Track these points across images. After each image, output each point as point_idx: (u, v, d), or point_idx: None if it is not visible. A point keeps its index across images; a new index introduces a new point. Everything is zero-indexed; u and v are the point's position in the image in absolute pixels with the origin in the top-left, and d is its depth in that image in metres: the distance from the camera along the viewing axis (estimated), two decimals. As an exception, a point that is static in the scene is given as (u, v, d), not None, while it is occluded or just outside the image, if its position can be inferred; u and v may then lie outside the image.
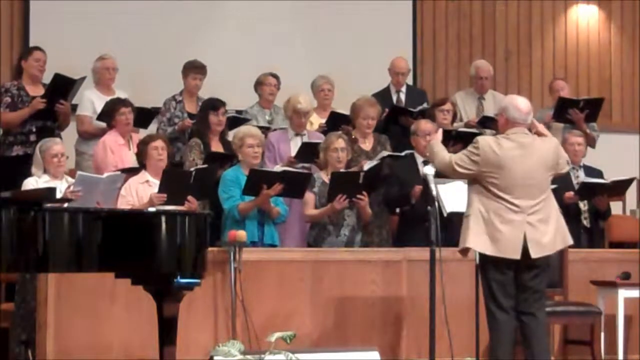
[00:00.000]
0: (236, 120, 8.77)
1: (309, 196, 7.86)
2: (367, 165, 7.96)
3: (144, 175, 7.69)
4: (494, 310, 6.33)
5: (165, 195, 7.37)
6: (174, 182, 7.48)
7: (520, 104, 6.45)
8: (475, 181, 6.39)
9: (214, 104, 8.34)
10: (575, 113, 9.19)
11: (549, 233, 6.32)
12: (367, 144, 8.56)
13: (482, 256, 6.39)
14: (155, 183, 7.55)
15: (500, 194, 6.28)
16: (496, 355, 6.32)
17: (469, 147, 6.45)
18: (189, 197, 7.49)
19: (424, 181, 6.85)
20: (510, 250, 6.23)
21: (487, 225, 6.28)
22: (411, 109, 9.01)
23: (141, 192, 7.54)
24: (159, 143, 7.73)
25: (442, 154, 6.55)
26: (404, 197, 7.96)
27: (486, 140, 6.47)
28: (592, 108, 9.30)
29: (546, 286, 6.61)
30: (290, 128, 8.65)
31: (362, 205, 7.85)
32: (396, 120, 8.98)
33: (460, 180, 6.95)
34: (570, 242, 6.54)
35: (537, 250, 6.27)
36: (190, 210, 7.33)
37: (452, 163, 6.44)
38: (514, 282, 6.33)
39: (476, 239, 6.32)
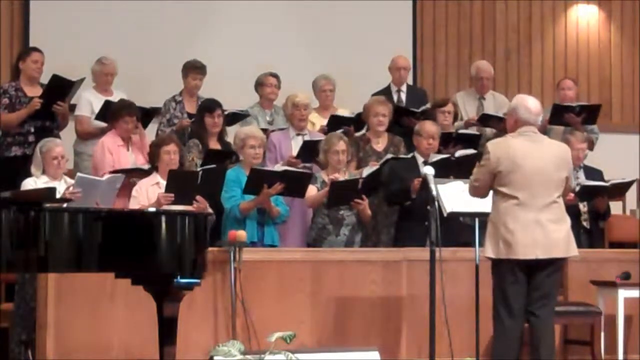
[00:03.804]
0: (235, 117, 8.76)
1: (312, 188, 7.87)
2: (367, 171, 7.95)
3: (155, 177, 7.69)
4: (502, 316, 6.23)
5: (172, 195, 7.37)
6: (181, 182, 7.47)
7: (530, 105, 6.37)
8: (492, 189, 6.32)
9: (209, 106, 8.34)
10: (571, 117, 9.20)
11: (560, 235, 6.23)
12: (380, 145, 8.55)
13: (496, 259, 6.28)
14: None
15: (511, 192, 6.19)
16: (503, 357, 6.28)
17: (481, 160, 6.43)
18: (198, 197, 7.48)
19: (424, 181, 6.85)
20: (521, 250, 6.15)
21: (500, 228, 6.19)
22: (414, 110, 9.00)
23: (151, 193, 7.55)
24: (172, 147, 7.71)
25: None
26: (404, 191, 7.96)
27: (494, 142, 6.44)
28: (590, 112, 9.30)
29: (559, 286, 6.57)
30: (292, 127, 8.66)
31: (361, 209, 7.85)
32: (398, 121, 8.97)
33: (460, 180, 6.95)
34: (576, 253, 6.42)
35: (545, 252, 6.19)
36: (198, 209, 7.32)
37: (471, 181, 6.43)
38: (526, 283, 6.26)
39: (491, 246, 6.25)
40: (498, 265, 6.28)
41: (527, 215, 6.19)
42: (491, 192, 6.36)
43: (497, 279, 6.30)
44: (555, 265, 6.29)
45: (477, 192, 6.40)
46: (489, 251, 6.26)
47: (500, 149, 6.29)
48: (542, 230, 6.18)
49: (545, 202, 6.22)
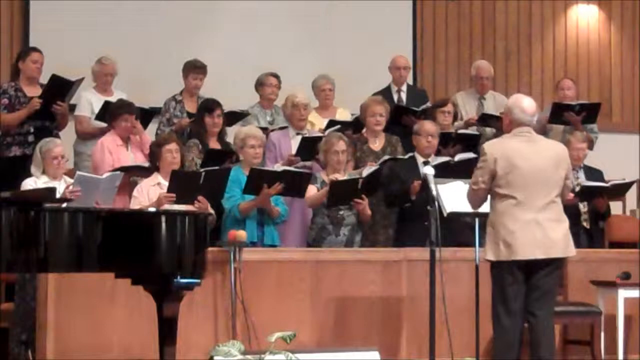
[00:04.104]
0: (234, 116, 8.75)
1: (312, 187, 7.87)
2: (366, 170, 7.95)
3: (156, 177, 7.68)
4: (501, 316, 6.22)
5: (174, 195, 7.36)
6: (183, 182, 7.46)
7: (525, 105, 6.34)
8: (490, 191, 6.30)
9: (209, 106, 8.34)
10: (571, 116, 9.20)
11: (558, 235, 6.22)
12: (377, 144, 8.56)
13: (496, 261, 6.27)
14: (167, 185, 7.52)
15: (509, 193, 6.17)
16: (503, 358, 6.26)
17: (478, 162, 6.40)
18: (200, 197, 7.46)
19: (424, 181, 6.85)
20: (521, 251, 6.15)
21: (500, 230, 6.18)
22: (414, 109, 9.00)
23: (152, 194, 7.53)
24: (173, 146, 7.70)
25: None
26: (404, 194, 7.95)
27: (490, 143, 6.42)
28: (589, 111, 9.30)
29: (558, 286, 6.55)
30: (291, 127, 8.66)
31: (361, 209, 7.85)
32: (398, 120, 8.98)
33: (460, 180, 6.93)
34: (574, 253, 6.41)
35: (545, 251, 6.18)
36: (199, 210, 7.31)
37: (470, 187, 6.38)
38: (525, 283, 6.24)
39: (491, 249, 6.23)
40: (498, 266, 6.26)
41: (525, 215, 6.17)
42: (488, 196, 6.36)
43: (497, 279, 6.28)
44: (553, 265, 6.28)
45: (477, 195, 6.35)
46: (490, 254, 6.25)
47: (496, 150, 6.27)
48: (541, 230, 6.18)
49: (543, 202, 6.21)
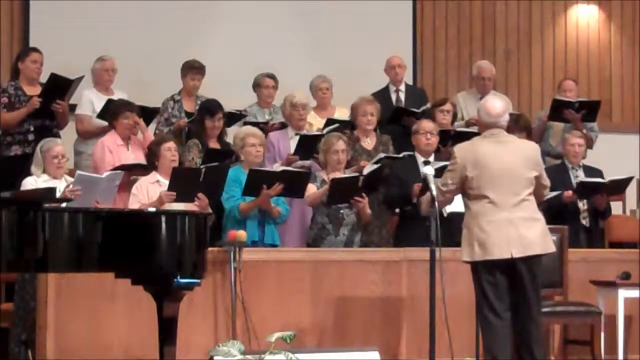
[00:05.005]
0: (232, 116, 8.74)
1: (311, 186, 7.86)
2: (367, 169, 7.94)
3: (154, 175, 7.69)
4: (487, 315, 6.23)
5: (174, 193, 7.36)
6: (184, 180, 7.47)
7: (490, 107, 6.39)
8: (463, 193, 6.35)
9: (211, 109, 8.31)
10: (571, 113, 9.19)
11: (534, 233, 6.24)
12: (368, 143, 8.57)
13: (473, 262, 6.28)
14: (166, 183, 7.53)
15: (482, 193, 6.21)
16: (495, 357, 6.26)
17: (449, 165, 6.44)
18: (199, 195, 7.47)
19: (424, 181, 6.85)
20: (496, 250, 6.18)
21: (474, 230, 6.22)
22: (414, 110, 9.00)
23: (152, 192, 7.54)
24: (171, 144, 7.73)
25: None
26: (405, 197, 7.95)
27: (461, 146, 6.47)
28: (589, 109, 9.29)
29: (540, 285, 6.55)
30: (290, 127, 8.65)
31: (361, 207, 7.84)
32: (398, 121, 8.98)
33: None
34: (554, 249, 6.44)
35: (521, 250, 6.18)
36: (200, 207, 7.33)
37: (438, 188, 6.41)
38: (506, 283, 6.27)
39: (466, 249, 6.27)
40: (476, 267, 6.29)
41: (499, 215, 6.20)
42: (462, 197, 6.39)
43: (477, 281, 6.30)
44: (535, 263, 6.28)
45: (445, 196, 6.42)
46: (465, 255, 6.28)
47: (466, 152, 6.32)
48: (515, 229, 6.20)
49: (515, 201, 6.23)
